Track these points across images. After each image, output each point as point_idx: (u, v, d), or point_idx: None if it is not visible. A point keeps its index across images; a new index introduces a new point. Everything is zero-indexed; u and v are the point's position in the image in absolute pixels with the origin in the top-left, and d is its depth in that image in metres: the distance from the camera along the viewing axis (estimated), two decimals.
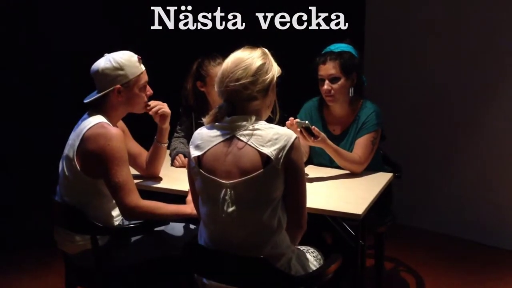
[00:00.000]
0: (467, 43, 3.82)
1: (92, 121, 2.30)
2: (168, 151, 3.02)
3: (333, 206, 2.35)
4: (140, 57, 2.41)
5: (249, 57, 1.94)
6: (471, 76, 3.84)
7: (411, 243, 3.96)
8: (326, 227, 2.57)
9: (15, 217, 3.83)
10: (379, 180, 2.70)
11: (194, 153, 1.98)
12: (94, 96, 2.37)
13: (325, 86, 2.80)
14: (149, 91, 2.46)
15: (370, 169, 2.82)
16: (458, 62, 3.88)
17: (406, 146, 4.02)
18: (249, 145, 1.91)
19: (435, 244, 3.95)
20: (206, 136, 1.98)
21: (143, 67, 2.42)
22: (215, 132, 1.96)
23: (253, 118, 1.95)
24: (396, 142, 3.58)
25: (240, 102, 1.95)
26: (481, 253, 3.80)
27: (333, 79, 2.79)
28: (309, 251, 2.21)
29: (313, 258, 2.17)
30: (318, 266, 2.14)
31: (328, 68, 2.79)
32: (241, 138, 1.92)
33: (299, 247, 2.15)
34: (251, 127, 1.93)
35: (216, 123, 1.97)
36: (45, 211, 2.66)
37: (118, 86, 2.34)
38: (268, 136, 1.91)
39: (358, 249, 2.42)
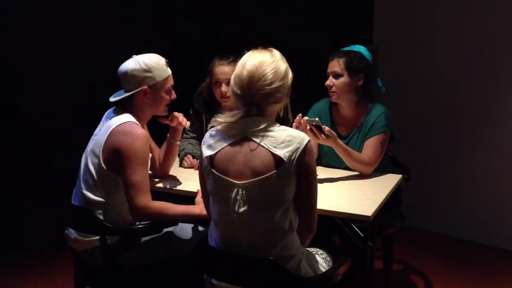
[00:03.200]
0: (475, 44, 3.81)
1: (122, 119, 2.35)
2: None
3: (342, 208, 2.34)
4: (167, 60, 2.46)
5: (273, 60, 1.95)
6: (480, 78, 3.83)
7: (419, 245, 3.95)
8: (335, 228, 2.57)
9: (23, 217, 3.84)
10: (389, 181, 2.69)
11: (207, 152, 1.99)
12: (121, 95, 2.41)
13: (327, 82, 2.86)
14: (174, 95, 2.50)
15: (379, 170, 2.81)
16: (467, 63, 3.87)
17: (414, 148, 4.01)
18: (262, 146, 1.91)
19: (444, 246, 3.94)
20: (219, 136, 1.98)
21: (169, 71, 2.47)
22: (228, 132, 1.96)
23: (267, 119, 1.96)
24: (404, 143, 3.57)
25: (265, 105, 1.95)
26: (490, 255, 3.79)
27: (336, 76, 2.83)
28: (318, 252, 2.20)
29: (322, 260, 2.17)
30: (327, 268, 2.14)
31: (334, 65, 2.84)
32: (254, 139, 1.92)
33: (308, 248, 2.15)
34: (264, 129, 1.93)
35: (230, 124, 1.96)
36: (54, 211, 2.67)
37: (145, 87, 2.38)
38: (281, 138, 1.91)
39: (367, 250, 2.41)
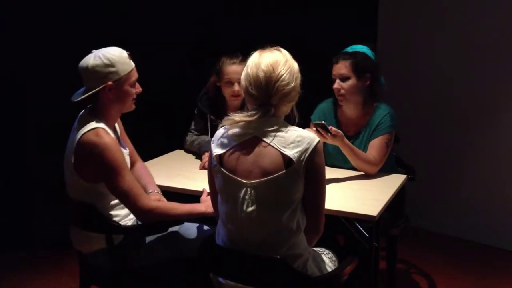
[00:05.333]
0: (479, 43, 3.82)
1: (87, 126, 2.24)
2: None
3: (348, 208, 2.35)
4: (129, 53, 2.33)
5: (286, 59, 1.96)
6: (485, 78, 3.83)
7: (423, 245, 3.95)
8: (339, 228, 2.57)
9: (29, 217, 3.84)
10: (393, 181, 2.70)
11: (216, 151, 1.99)
12: (82, 94, 2.28)
13: (335, 85, 2.83)
14: (139, 88, 2.37)
15: (384, 170, 2.81)
16: (472, 64, 3.86)
17: (418, 148, 4.01)
18: (272, 146, 1.91)
19: (448, 247, 3.94)
20: (229, 135, 1.97)
21: (133, 64, 2.32)
22: (238, 132, 1.96)
23: (279, 119, 1.96)
24: (408, 144, 3.57)
25: (281, 105, 1.96)
26: (495, 256, 3.78)
27: (344, 79, 2.82)
28: (324, 252, 2.21)
29: (328, 260, 2.18)
30: (333, 268, 2.14)
31: (340, 68, 2.82)
32: (264, 138, 1.92)
33: (314, 248, 2.15)
34: (274, 128, 1.93)
35: (240, 123, 1.95)
36: (58, 210, 2.68)
37: (110, 83, 2.24)
38: (291, 138, 1.91)
39: (372, 250, 2.41)
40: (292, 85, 1.95)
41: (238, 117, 1.94)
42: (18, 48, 3.71)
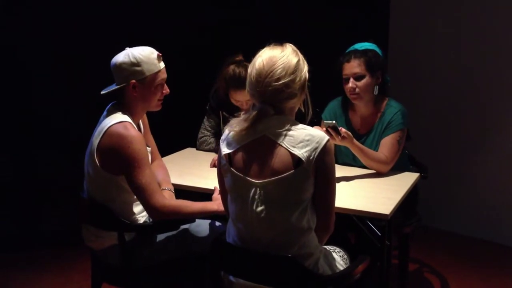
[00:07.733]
0: (495, 41, 3.78)
1: (115, 118, 2.30)
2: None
3: (360, 206, 2.33)
4: (160, 54, 2.37)
5: (283, 55, 1.91)
6: (497, 75, 3.80)
7: (435, 244, 3.93)
8: (351, 227, 2.56)
9: (40, 216, 3.87)
10: (406, 180, 2.68)
11: (225, 150, 1.98)
12: (110, 88, 2.37)
13: (350, 84, 2.77)
14: (166, 89, 2.43)
15: (396, 169, 2.79)
16: (486, 59, 3.83)
17: (430, 147, 3.98)
18: (281, 145, 1.89)
19: (460, 246, 3.92)
20: (238, 134, 1.95)
21: (162, 65, 2.38)
22: (247, 131, 1.93)
23: (287, 118, 1.94)
24: (421, 142, 3.55)
25: (279, 102, 1.91)
26: (508, 256, 3.76)
27: (358, 77, 2.77)
28: (336, 250, 2.20)
29: (339, 258, 2.16)
30: (344, 266, 2.13)
31: (353, 66, 2.77)
32: (274, 138, 1.90)
33: (325, 246, 2.14)
34: (284, 127, 1.90)
35: (249, 122, 1.92)
36: (69, 208, 2.69)
37: (134, 81, 2.31)
38: (300, 137, 1.89)
39: (384, 249, 2.40)
40: (284, 80, 1.88)
41: (238, 126, 1.91)
42: (26, 45, 3.73)
